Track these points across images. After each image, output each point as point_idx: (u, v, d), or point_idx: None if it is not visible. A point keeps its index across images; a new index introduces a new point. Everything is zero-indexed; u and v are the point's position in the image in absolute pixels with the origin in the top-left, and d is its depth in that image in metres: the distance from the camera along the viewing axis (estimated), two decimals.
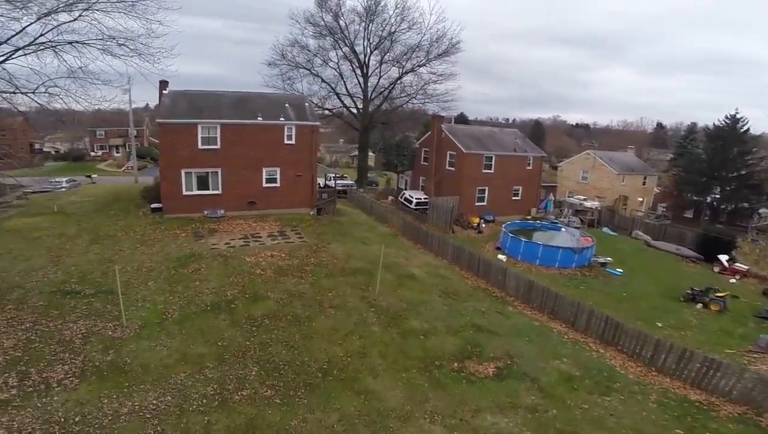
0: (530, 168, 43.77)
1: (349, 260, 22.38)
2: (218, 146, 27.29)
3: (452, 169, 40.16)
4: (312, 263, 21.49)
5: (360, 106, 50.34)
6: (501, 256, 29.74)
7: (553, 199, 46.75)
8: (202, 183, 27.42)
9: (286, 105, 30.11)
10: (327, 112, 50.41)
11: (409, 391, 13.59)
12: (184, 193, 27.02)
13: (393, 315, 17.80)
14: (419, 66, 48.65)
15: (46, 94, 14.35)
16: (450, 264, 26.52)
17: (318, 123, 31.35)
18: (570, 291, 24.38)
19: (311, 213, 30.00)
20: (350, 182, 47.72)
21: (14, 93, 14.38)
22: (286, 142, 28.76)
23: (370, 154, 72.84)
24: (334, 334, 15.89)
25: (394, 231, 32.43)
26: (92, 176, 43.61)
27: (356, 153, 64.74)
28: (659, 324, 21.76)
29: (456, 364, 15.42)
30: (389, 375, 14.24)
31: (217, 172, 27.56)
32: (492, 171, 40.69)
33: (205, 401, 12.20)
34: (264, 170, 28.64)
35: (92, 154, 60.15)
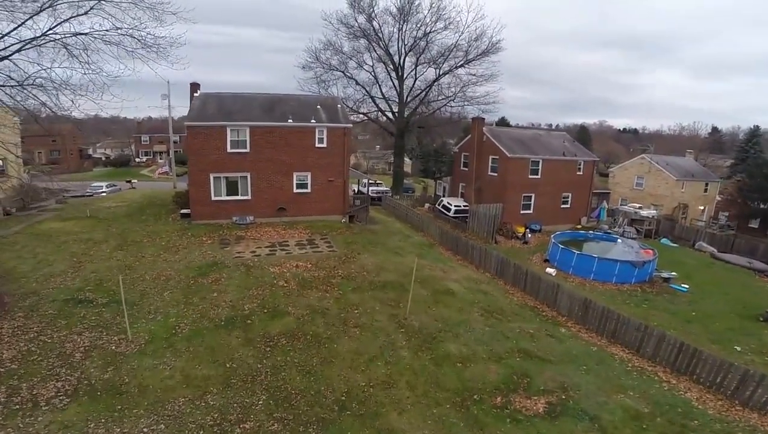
0: (581, 173, 40.39)
1: (380, 273, 20.40)
2: (247, 150, 26.18)
3: (495, 174, 37.47)
4: (339, 275, 19.67)
5: (395, 109, 48.54)
6: (550, 270, 26.87)
7: (606, 206, 42.95)
8: (231, 188, 26.35)
9: (318, 106, 28.71)
10: (362, 116, 48.93)
11: (440, 431, 11.37)
12: (213, 198, 26.03)
13: (426, 337, 15.62)
14: (457, 67, 46.37)
15: (53, 92, 13.30)
16: (493, 277, 24.01)
17: (350, 125, 29.75)
18: (630, 310, 21.33)
19: (343, 220, 28.31)
20: (385, 189, 45.93)
21: (16, 86, 13.42)
22: (317, 145, 27.29)
23: (407, 160, 70.99)
24: (357, 359, 13.89)
25: (431, 241, 30.20)
26: (132, 181, 44.12)
27: (392, 159, 63.03)
28: (738, 348, 18.43)
29: (499, 399, 13.05)
30: (418, 410, 12.06)
31: (246, 177, 26.43)
32: (539, 176, 37.67)
33: (201, 433, 10.52)
34: (294, 175, 27.27)
35: (137, 160, 61.72)
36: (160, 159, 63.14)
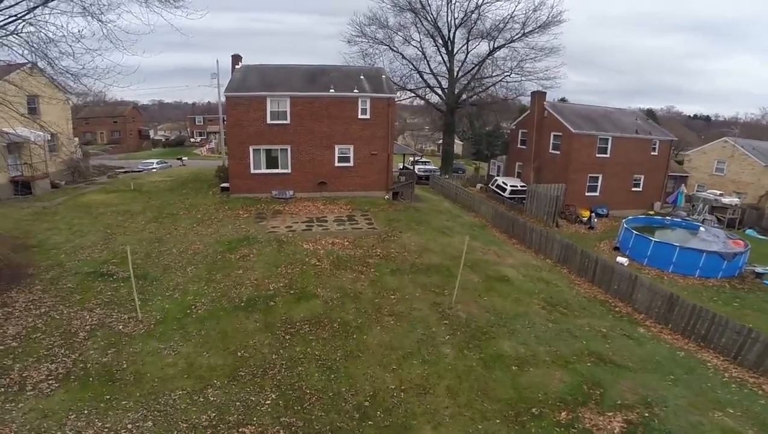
0: (655, 153, 35.31)
1: (424, 254, 17.73)
2: (288, 121, 24.17)
3: (557, 152, 33.31)
4: (377, 255, 17.20)
5: (445, 86, 44.78)
6: (621, 259, 22.95)
7: (684, 191, 37.38)
8: (271, 161, 24.54)
9: (361, 77, 26.11)
10: (409, 92, 45.54)
11: None
12: (252, 171, 24.35)
13: (474, 332, 12.83)
14: (513, 40, 41.61)
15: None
16: (555, 265, 20.61)
17: (395, 95, 26.96)
18: (718, 307, 17.36)
19: (386, 197, 25.78)
20: (433, 167, 42.81)
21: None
22: (360, 116, 24.78)
23: (458, 142, 66.90)
24: (388, 355, 11.39)
25: (483, 222, 27.01)
26: (183, 159, 44.04)
27: (442, 138, 59.38)
28: None
29: (564, 414, 10.11)
30: (459, 425, 9.40)
31: (286, 150, 24.49)
32: (607, 155, 33.12)
33: None
34: (336, 148, 24.97)
35: (191, 140, 62.60)
36: (214, 138, 63.48)
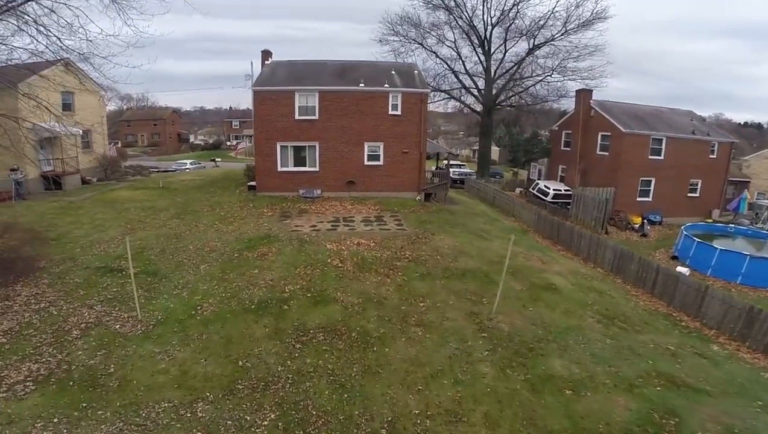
0: (714, 156, 31.92)
1: (459, 258, 15.70)
2: (316, 117, 22.83)
3: (605, 153, 30.46)
4: (406, 257, 15.33)
5: (481, 86, 42.39)
6: (681, 268, 20.06)
7: (747, 197, 33.48)
8: (299, 158, 23.24)
9: (392, 72, 24.55)
10: (443, 93, 43.35)
11: None
12: (279, 169, 23.12)
13: (519, 347, 10.71)
14: (554, 39, 38.87)
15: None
16: (607, 274, 18.07)
17: (427, 90, 25.19)
18: None
19: (417, 198, 23.89)
20: (469, 171, 40.44)
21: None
22: (390, 112, 23.13)
23: (494, 148, 64.01)
24: (414, 372, 9.46)
25: (524, 227, 24.65)
26: (216, 160, 43.81)
27: (477, 146, 56.86)
28: None
29: None
30: None
31: (314, 147, 23.13)
32: (661, 157, 30.03)
33: None
34: (365, 145, 23.39)
35: (228, 143, 62.97)
36: (249, 142, 63.43)
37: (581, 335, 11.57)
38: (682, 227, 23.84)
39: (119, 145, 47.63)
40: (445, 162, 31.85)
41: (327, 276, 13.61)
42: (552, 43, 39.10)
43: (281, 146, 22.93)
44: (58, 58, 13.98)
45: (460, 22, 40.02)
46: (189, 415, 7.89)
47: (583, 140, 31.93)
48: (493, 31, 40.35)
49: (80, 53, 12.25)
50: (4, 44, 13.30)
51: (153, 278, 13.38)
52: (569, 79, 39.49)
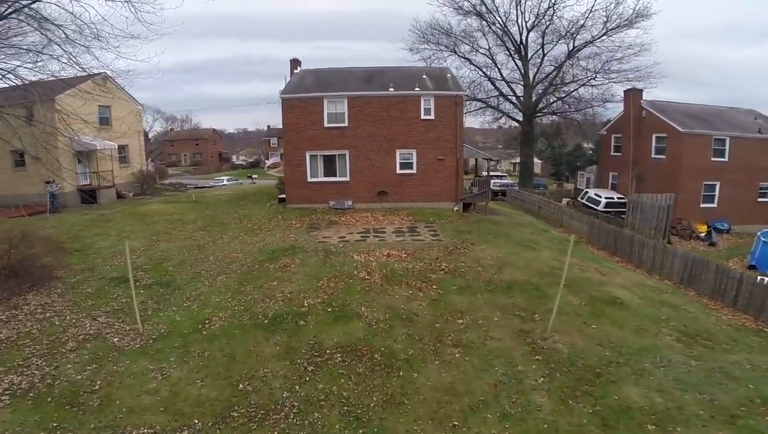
0: None
1: (503, 269, 13.60)
2: (346, 124, 21.63)
3: (661, 156, 27.43)
4: (442, 269, 13.42)
5: (520, 93, 40.03)
6: (763, 279, 16.89)
7: None
8: (329, 168, 22.01)
9: (424, 76, 23.10)
10: (479, 102, 41.16)
11: None
12: (309, 179, 21.94)
13: (583, 372, 8.50)
14: (594, 40, 36.14)
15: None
16: (677, 286, 15.31)
17: (463, 92, 23.49)
18: None
19: (455, 208, 21.95)
20: (510, 182, 37.92)
21: None
22: (423, 117, 21.58)
23: (536, 161, 60.91)
24: (449, 403, 7.49)
25: (575, 238, 22.04)
26: (253, 177, 43.77)
27: (517, 159, 54.13)
28: None
29: None
30: None
31: (344, 155, 21.85)
32: (725, 159, 26.72)
33: None
34: (397, 153, 21.86)
35: (266, 161, 63.58)
36: (275, 155, 63.16)
37: (659, 356, 9.19)
38: (759, 233, 20.48)
39: (158, 161, 48.75)
40: (485, 173, 29.80)
41: (351, 289, 11.94)
42: (593, 44, 36.48)
43: (310, 155, 21.81)
44: (96, 72, 13.74)
45: (493, 28, 38.18)
46: None
47: (635, 144, 28.99)
48: (530, 36, 38.26)
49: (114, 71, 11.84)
50: (41, 53, 13.07)
51: (165, 289, 12.23)
52: (614, 82, 36.56)
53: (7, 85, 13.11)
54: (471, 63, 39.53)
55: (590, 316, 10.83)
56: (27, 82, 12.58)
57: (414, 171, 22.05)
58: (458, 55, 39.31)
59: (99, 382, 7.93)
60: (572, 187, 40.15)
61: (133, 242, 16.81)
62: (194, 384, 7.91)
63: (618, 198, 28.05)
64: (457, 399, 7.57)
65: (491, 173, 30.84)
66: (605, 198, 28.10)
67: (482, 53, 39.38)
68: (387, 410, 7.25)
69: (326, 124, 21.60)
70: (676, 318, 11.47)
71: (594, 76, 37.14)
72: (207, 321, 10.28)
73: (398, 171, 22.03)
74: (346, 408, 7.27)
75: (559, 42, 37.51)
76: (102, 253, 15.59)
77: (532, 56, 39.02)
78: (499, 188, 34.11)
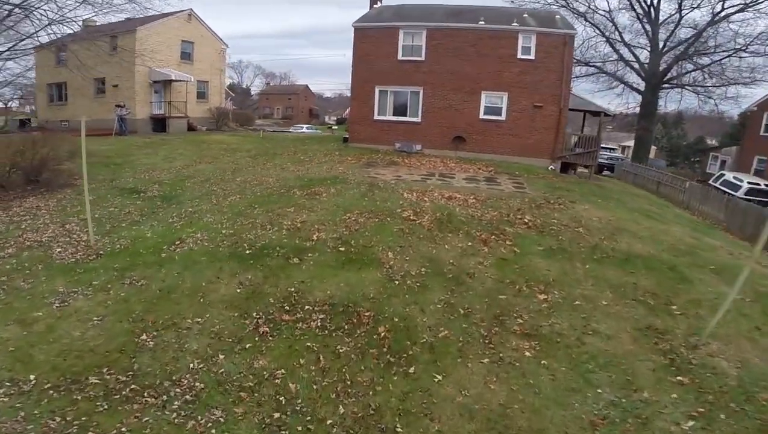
0: None
1: (617, 236, 8.60)
2: (422, 58, 17.23)
3: None
4: (524, 223, 8.84)
5: (643, 60, 31.48)
6: None
7: None
8: (399, 106, 17.93)
9: (525, 15, 17.70)
10: (592, 68, 33.28)
11: None
12: (376, 117, 18.08)
13: (765, 410, 3.76)
14: (748, 5, 26.17)
15: None
16: None
17: (573, 32, 17.63)
18: None
19: (551, 167, 16.71)
20: (620, 156, 30.76)
21: None
22: (520, 56, 16.38)
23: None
24: None
25: (706, 223, 15.70)
26: (333, 127, 41.60)
27: (628, 143, 44.73)
28: None
29: None
30: None
31: (417, 93, 17.56)
32: None
33: None
34: (482, 95, 16.99)
35: None
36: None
37: None
38: None
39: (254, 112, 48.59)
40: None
41: (385, 228, 7.98)
42: (753, 6, 26.62)
43: (380, 90, 17.86)
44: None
45: None
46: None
47: None
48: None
49: None
50: None
51: (162, 202, 9.49)
52: None
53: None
54: (586, 19, 31.79)
55: (764, 319, 5.72)
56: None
57: (502, 117, 17.09)
58: (570, 9, 31.76)
59: None
60: (702, 170, 31.44)
61: (176, 162, 14.66)
62: (86, 322, 4.74)
63: (765, 184, 20.34)
64: None
65: (607, 116, 24.09)
66: (747, 183, 20.46)
67: (601, 14, 31.44)
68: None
69: (400, 57, 17.41)
70: None
71: (744, 47, 27.43)
72: (178, 242, 7.13)
73: (481, 116, 17.22)
74: (280, 417, 3.49)
75: (702, 4, 28.19)
76: (138, 168, 13.50)
77: (665, 20, 30.20)
78: (606, 161, 27.31)
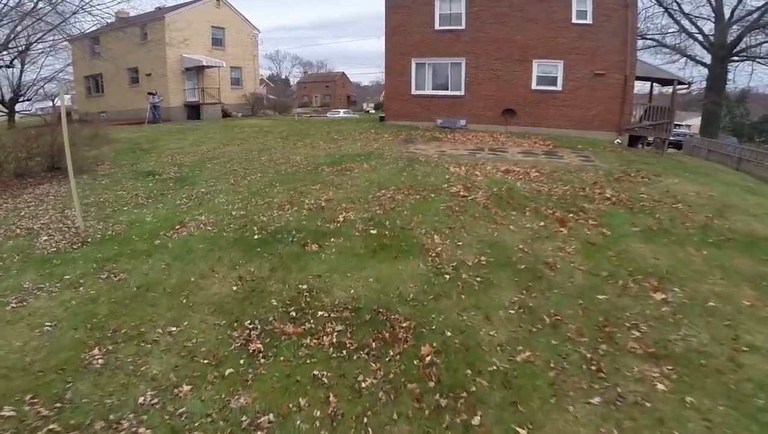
0: None
1: (726, 214, 6.45)
2: (463, 26, 15.15)
3: None
4: (606, 198, 6.85)
5: (708, 32, 27.32)
6: None
7: None
8: (439, 79, 16.00)
9: None
10: (649, 41, 29.38)
11: None
12: (413, 92, 16.25)
13: None
14: None
15: None
16: None
17: None
18: None
19: (617, 141, 14.25)
20: (688, 132, 27.29)
21: None
22: (575, 20, 13.97)
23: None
24: None
25: None
26: (370, 111, 40.34)
27: (694, 121, 39.87)
28: None
29: None
30: None
31: (459, 64, 15.54)
32: None
33: None
34: (534, 64, 14.70)
35: None
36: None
37: None
38: None
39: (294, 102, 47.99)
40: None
41: (429, 206, 6.29)
42: None
43: (417, 63, 15.99)
44: None
45: None
46: None
47: None
48: None
49: None
50: None
51: (175, 184, 8.30)
52: None
53: None
54: None
55: None
56: None
57: (558, 88, 14.75)
58: None
59: None
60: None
61: (203, 145, 13.65)
62: (34, 329, 3.51)
63: None
64: None
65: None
66: None
67: None
68: None
69: (438, 27, 15.45)
70: None
71: None
72: (178, 226, 5.83)
73: (534, 86, 14.95)
74: None
75: None
76: (163, 153, 12.59)
77: None
78: (673, 138, 24.02)
